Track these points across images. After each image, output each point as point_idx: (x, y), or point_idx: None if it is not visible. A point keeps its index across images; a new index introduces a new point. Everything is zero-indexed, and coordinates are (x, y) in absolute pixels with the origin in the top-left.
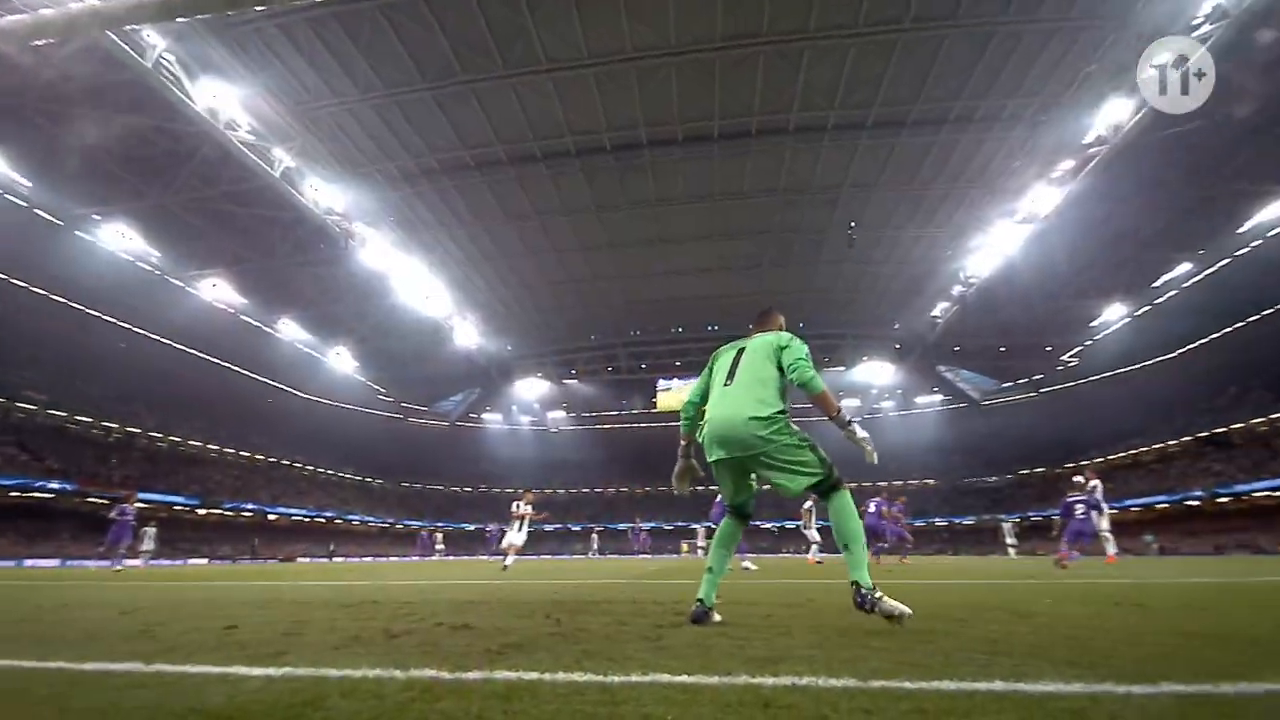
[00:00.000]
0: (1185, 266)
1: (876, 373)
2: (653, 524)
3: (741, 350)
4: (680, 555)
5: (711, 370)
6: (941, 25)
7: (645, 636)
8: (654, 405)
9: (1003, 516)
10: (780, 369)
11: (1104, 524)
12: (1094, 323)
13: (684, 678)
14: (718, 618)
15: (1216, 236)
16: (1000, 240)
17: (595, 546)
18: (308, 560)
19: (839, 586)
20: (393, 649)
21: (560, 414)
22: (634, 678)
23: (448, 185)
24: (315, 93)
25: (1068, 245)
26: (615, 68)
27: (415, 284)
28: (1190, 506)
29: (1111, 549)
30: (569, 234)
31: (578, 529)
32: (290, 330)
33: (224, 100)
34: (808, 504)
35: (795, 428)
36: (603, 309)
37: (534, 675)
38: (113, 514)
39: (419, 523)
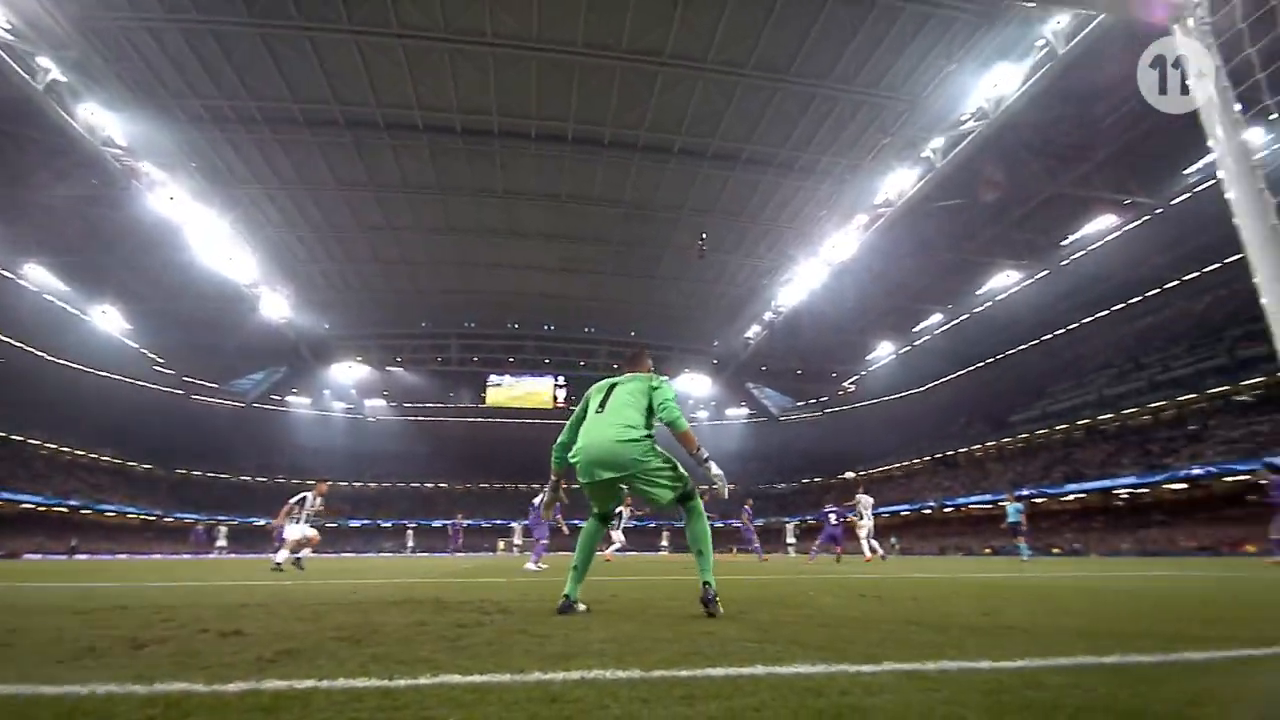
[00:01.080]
0: (938, 317)
1: (696, 384)
2: (470, 522)
3: (614, 386)
4: (495, 554)
5: (585, 408)
6: (776, 78)
7: (443, 637)
8: (483, 400)
9: (786, 519)
10: (650, 406)
11: (864, 530)
12: (870, 356)
13: (475, 677)
14: (583, 607)
15: (961, 295)
16: (806, 277)
17: (410, 544)
18: (39, 557)
19: (641, 583)
20: (137, 660)
21: (380, 402)
22: (422, 680)
23: (269, 138)
24: None
25: (856, 288)
26: (473, 49)
27: (216, 242)
28: (924, 514)
29: (868, 551)
30: (407, 212)
31: (389, 525)
32: (39, 277)
33: None
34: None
35: (660, 449)
36: (437, 296)
37: (309, 683)
38: None
39: (195, 515)
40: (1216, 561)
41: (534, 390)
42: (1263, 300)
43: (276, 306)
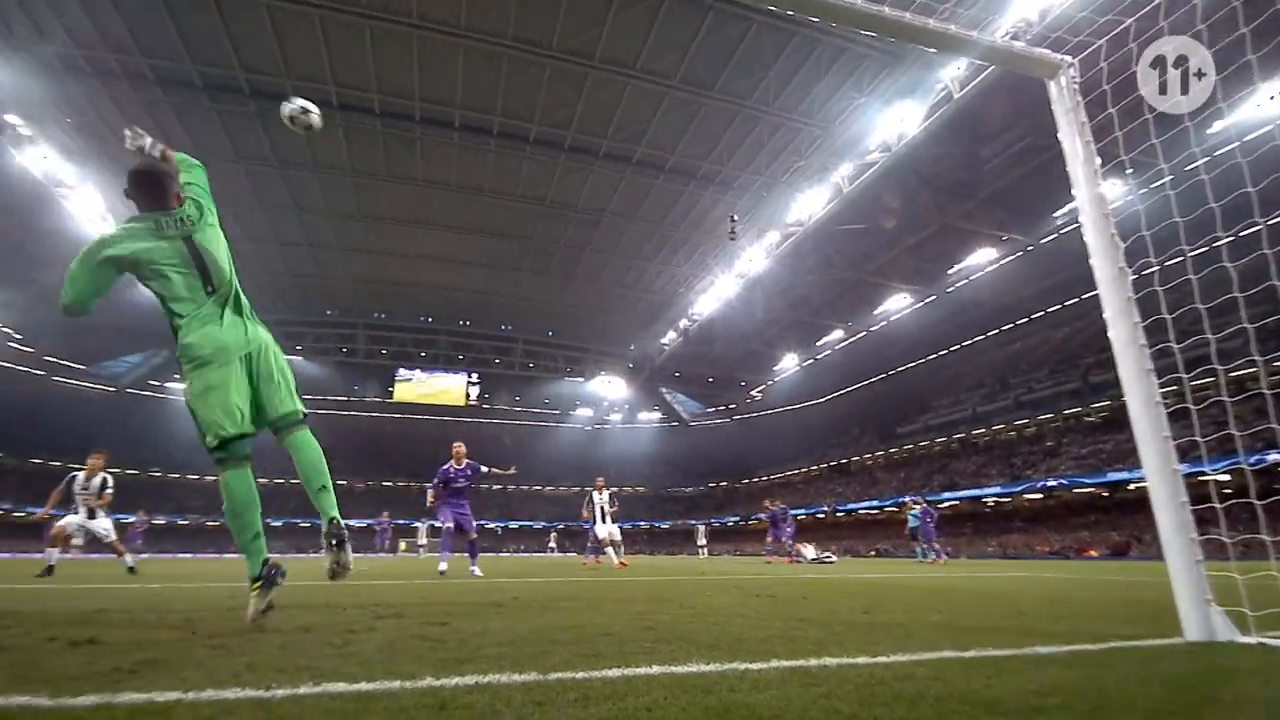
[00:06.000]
0: (839, 333)
1: (610, 387)
2: (378, 522)
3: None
4: (396, 555)
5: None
6: (701, 93)
7: (330, 643)
8: (390, 395)
9: (694, 521)
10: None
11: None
12: (776, 367)
13: (362, 685)
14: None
15: (859, 314)
16: (721, 287)
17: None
18: None
19: (541, 586)
20: None
21: None
22: (302, 690)
23: (160, 99)
24: None
25: (766, 302)
26: (396, 28)
27: (91, 208)
28: (819, 517)
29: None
30: (316, 192)
31: (279, 524)
32: None
33: None
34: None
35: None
36: (345, 283)
37: (173, 695)
38: None
39: (51, 510)
40: (1065, 564)
41: (446, 387)
42: (1110, 332)
43: None
